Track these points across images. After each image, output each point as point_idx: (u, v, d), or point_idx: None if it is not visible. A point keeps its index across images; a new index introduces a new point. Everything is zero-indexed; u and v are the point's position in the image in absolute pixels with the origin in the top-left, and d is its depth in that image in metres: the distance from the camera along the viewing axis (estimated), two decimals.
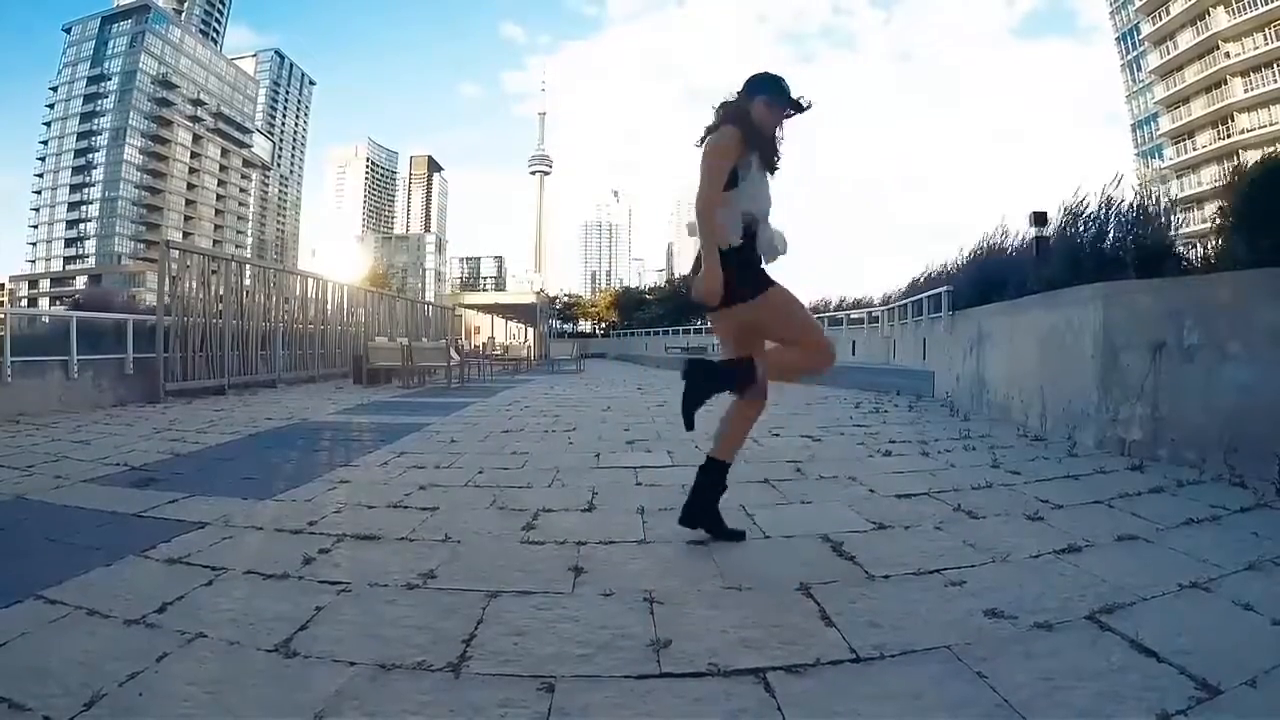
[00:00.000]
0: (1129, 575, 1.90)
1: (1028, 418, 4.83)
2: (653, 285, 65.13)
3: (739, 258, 2.18)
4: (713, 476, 2.31)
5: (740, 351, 2.26)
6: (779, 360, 2.27)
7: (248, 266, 10.85)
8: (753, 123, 2.21)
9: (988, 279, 6.90)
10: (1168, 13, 46.64)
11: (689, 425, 2.21)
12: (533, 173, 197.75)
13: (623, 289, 67.56)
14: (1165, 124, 48.16)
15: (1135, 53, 50.90)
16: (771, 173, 2.30)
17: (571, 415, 6.45)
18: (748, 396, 2.28)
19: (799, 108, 2.27)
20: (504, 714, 1.28)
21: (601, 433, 5.06)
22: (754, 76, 2.29)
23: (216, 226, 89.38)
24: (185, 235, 70.68)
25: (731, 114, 2.24)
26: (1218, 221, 4.45)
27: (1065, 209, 5.86)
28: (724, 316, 2.25)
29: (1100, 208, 5.47)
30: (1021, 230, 7.32)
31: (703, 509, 2.31)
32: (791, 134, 2.31)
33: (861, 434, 4.85)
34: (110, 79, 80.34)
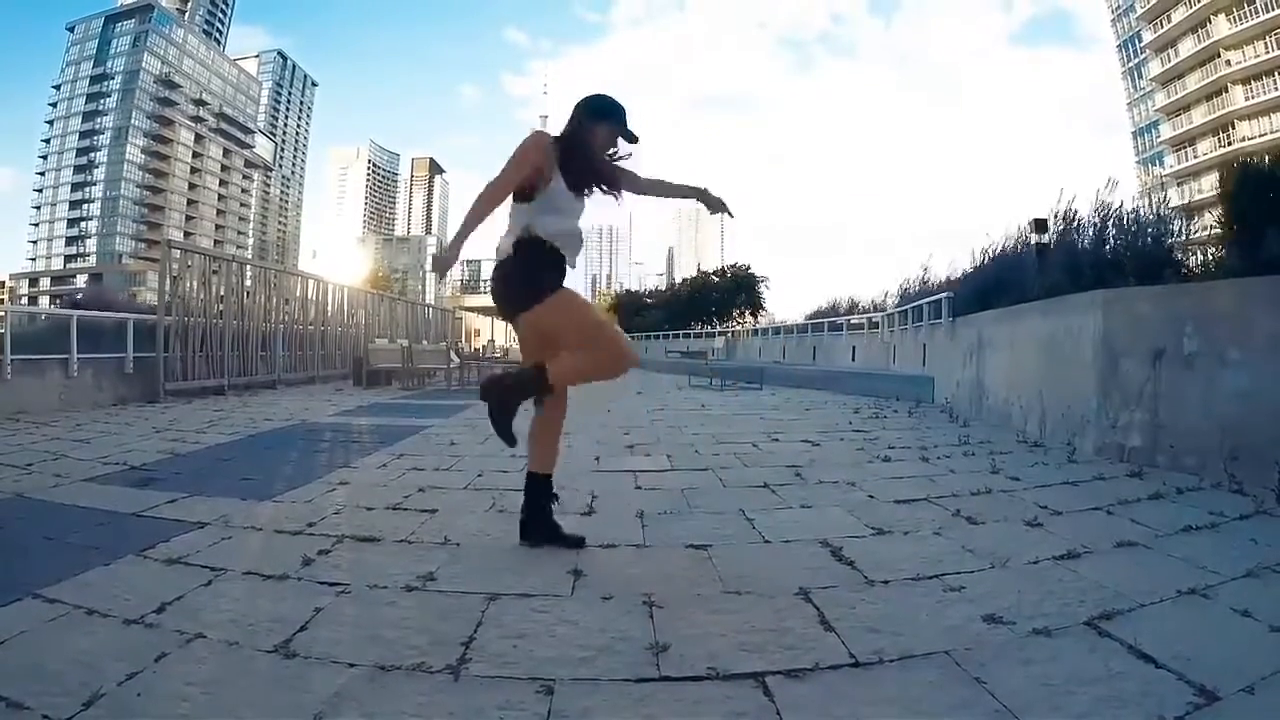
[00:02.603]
0: (1128, 581, 1.90)
1: (1027, 424, 4.83)
2: (653, 289, 64.92)
3: (520, 262, 2.16)
4: (538, 489, 2.33)
5: (535, 357, 2.25)
6: (566, 366, 2.19)
7: (248, 267, 10.86)
8: (583, 143, 2.20)
9: (988, 285, 6.90)
10: (1169, 20, 46.77)
11: (510, 441, 2.23)
12: None
13: (624, 292, 67.45)
14: (1166, 131, 48.23)
15: (1136, 60, 51.03)
16: (581, 195, 2.26)
17: (571, 419, 6.43)
18: (546, 404, 2.30)
19: (633, 139, 2.27)
20: (503, 716, 1.28)
21: (601, 436, 5.06)
22: (603, 99, 2.25)
23: (218, 226, 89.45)
24: (186, 235, 70.72)
25: (565, 131, 2.22)
26: (1215, 229, 4.47)
27: (1064, 215, 5.87)
28: (521, 323, 2.24)
29: (1097, 213, 5.49)
30: (1022, 236, 7.32)
31: (538, 521, 2.33)
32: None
33: (861, 439, 4.85)
34: (113, 78, 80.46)
